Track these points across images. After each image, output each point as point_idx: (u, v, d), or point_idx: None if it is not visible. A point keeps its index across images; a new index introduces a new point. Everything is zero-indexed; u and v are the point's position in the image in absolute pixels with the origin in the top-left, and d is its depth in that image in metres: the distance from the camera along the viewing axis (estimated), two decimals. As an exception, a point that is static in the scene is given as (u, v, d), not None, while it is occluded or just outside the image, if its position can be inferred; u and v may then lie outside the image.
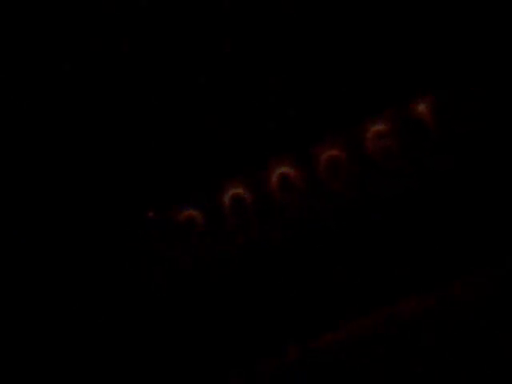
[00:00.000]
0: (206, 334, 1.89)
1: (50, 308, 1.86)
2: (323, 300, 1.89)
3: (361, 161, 1.89)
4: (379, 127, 1.90)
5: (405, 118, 1.90)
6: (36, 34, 1.88)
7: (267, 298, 1.89)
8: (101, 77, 1.90)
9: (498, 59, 1.91)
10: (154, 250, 1.88)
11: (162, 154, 1.90)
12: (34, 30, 1.88)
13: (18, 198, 1.88)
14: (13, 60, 1.89)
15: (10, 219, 1.87)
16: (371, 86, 1.91)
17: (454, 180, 1.91)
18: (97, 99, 1.90)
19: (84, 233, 1.87)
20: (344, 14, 1.91)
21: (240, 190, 1.89)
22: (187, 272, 1.89)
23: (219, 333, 1.89)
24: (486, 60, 1.91)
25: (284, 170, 1.89)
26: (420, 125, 1.90)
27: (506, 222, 1.91)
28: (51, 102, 1.89)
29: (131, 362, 1.87)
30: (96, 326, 1.87)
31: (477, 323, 1.86)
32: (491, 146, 1.91)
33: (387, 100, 1.91)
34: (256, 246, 1.89)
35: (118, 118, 1.90)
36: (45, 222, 1.88)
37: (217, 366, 1.88)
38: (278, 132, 1.91)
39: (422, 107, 1.91)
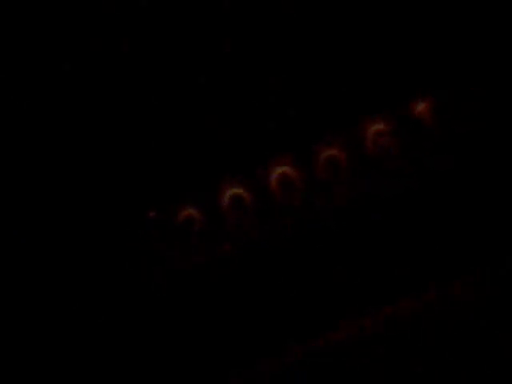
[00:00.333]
0: (205, 334, 1.89)
1: (49, 308, 1.86)
2: (323, 300, 1.89)
3: (361, 160, 1.89)
4: (379, 127, 1.90)
5: (404, 117, 1.90)
6: (36, 34, 1.88)
7: (267, 298, 1.89)
8: (101, 77, 1.89)
9: (498, 59, 1.91)
10: (153, 250, 1.88)
11: (162, 153, 1.90)
12: (34, 30, 1.88)
13: (18, 199, 1.88)
14: (12, 59, 1.89)
15: (10, 219, 1.87)
16: (371, 86, 1.91)
17: (453, 180, 1.91)
18: (97, 99, 1.89)
19: (84, 233, 1.87)
20: (344, 14, 1.91)
21: (240, 190, 1.89)
22: (187, 272, 1.89)
23: (219, 333, 1.89)
24: (486, 60, 1.91)
25: (284, 169, 1.89)
26: (420, 125, 1.90)
27: (505, 221, 1.91)
28: (51, 102, 1.89)
29: (131, 362, 1.87)
30: (96, 326, 1.87)
31: (477, 323, 1.86)
32: (491, 146, 1.91)
33: (387, 100, 1.91)
34: (256, 245, 1.89)
35: (118, 118, 1.89)
36: (45, 222, 1.87)
37: (217, 365, 1.88)
38: (278, 132, 1.91)
39: (421, 107, 1.91)
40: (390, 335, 1.87)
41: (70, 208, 1.88)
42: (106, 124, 1.89)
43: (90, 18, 1.89)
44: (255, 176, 1.89)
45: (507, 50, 1.91)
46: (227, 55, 1.90)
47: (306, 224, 1.90)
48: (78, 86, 1.90)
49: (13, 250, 1.86)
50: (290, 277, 1.90)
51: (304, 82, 1.91)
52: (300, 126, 1.91)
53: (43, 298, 1.86)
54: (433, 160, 1.91)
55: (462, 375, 1.84)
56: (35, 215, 1.87)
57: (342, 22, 1.92)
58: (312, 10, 1.91)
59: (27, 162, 1.89)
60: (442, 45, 1.91)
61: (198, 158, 1.90)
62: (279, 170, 1.89)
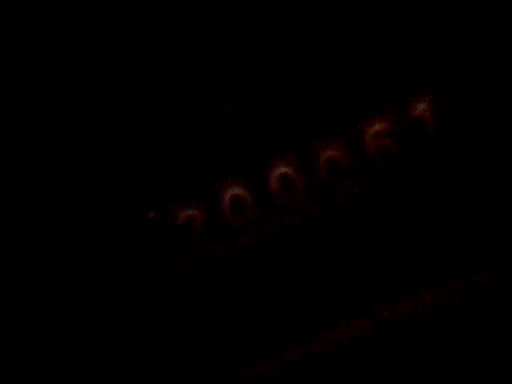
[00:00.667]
0: (205, 334, 1.89)
1: (49, 308, 1.86)
2: (323, 300, 1.89)
3: (361, 161, 1.89)
4: (379, 127, 1.90)
5: (404, 118, 1.90)
6: (35, 34, 1.88)
7: (267, 298, 1.89)
8: (100, 76, 1.89)
9: (498, 59, 1.91)
10: (153, 250, 1.88)
11: (163, 154, 1.90)
12: (34, 30, 1.88)
13: (17, 199, 1.88)
14: (11, 59, 1.89)
15: (10, 219, 1.86)
16: (371, 86, 1.91)
17: (453, 180, 1.91)
18: (97, 100, 1.89)
19: (84, 233, 1.87)
20: (344, 14, 1.91)
21: (240, 190, 1.89)
22: (187, 272, 1.89)
23: (219, 332, 1.89)
24: (486, 60, 1.91)
25: (284, 169, 1.89)
26: (420, 125, 1.90)
27: (506, 221, 1.91)
28: (51, 102, 1.89)
29: (131, 362, 1.87)
30: (95, 326, 1.87)
31: (477, 323, 1.86)
32: (491, 147, 1.91)
33: (387, 100, 1.91)
34: (256, 245, 1.89)
35: (119, 119, 1.89)
36: (44, 223, 1.87)
37: (217, 365, 1.88)
38: (279, 132, 1.90)
39: (421, 107, 1.90)
40: (389, 335, 1.87)
41: (70, 208, 1.88)
42: (106, 124, 1.89)
43: (89, 17, 1.89)
44: (255, 176, 1.89)
45: (507, 49, 1.91)
46: (227, 55, 1.90)
47: (307, 224, 1.90)
48: (77, 86, 1.89)
49: (13, 250, 1.86)
50: (291, 276, 1.90)
51: (304, 82, 1.91)
52: (300, 126, 1.91)
53: (43, 297, 1.86)
54: (433, 160, 1.91)
55: (461, 375, 1.84)
56: (35, 216, 1.87)
57: (343, 21, 1.91)
58: (313, 10, 1.91)
59: (27, 162, 1.88)
60: (442, 45, 1.91)
61: (199, 158, 1.90)
62: (279, 170, 1.89)
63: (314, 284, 1.90)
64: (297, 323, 1.88)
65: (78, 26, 1.88)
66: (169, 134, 1.90)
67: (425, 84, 1.91)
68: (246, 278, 1.90)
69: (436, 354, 1.85)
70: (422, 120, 1.90)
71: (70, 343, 1.86)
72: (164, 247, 1.88)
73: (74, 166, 1.89)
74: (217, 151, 1.90)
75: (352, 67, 1.91)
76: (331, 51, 1.91)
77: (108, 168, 1.89)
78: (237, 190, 1.88)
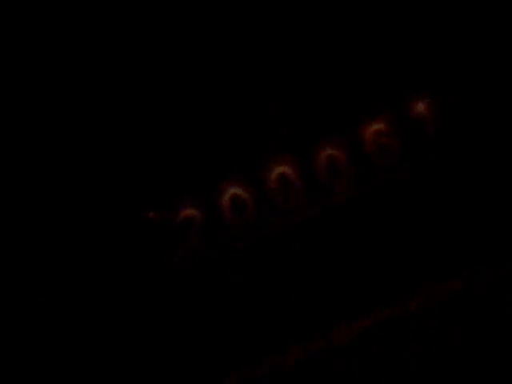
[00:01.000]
0: (205, 334, 1.89)
1: (49, 308, 1.86)
2: (323, 300, 1.89)
3: (360, 160, 1.89)
4: (379, 127, 1.89)
5: (405, 117, 1.90)
6: (35, 34, 1.88)
7: (267, 298, 1.89)
8: (100, 76, 1.89)
9: (498, 59, 1.91)
10: (153, 250, 1.88)
11: (162, 153, 1.90)
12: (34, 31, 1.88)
13: (17, 198, 1.88)
14: (11, 57, 1.89)
15: (10, 218, 1.86)
16: (371, 86, 1.91)
17: (454, 180, 1.91)
18: (97, 100, 1.89)
19: (83, 233, 1.87)
20: (344, 14, 1.91)
21: (239, 190, 1.89)
22: (187, 272, 1.89)
23: (219, 332, 1.89)
24: (487, 59, 1.91)
25: (283, 169, 1.89)
26: (420, 124, 1.90)
27: (506, 221, 1.90)
28: (50, 102, 1.89)
29: (131, 362, 1.87)
30: (95, 326, 1.87)
31: (477, 323, 1.86)
32: (491, 146, 1.91)
33: (387, 100, 1.90)
34: (255, 245, 1.89)
35: (119, 118, 1.89)
36: (44, 222, 1.87)
37: (217, 365, 1.88)
38: (278, 131, 1.90)
39: (421, 107, 1.90)
40: (389, 336, 1.87)
41: (69, 208, 1.88)
42: (106, 124, 1.89)
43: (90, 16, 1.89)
44: (255, 176, 1.89)
45: (507, 49, 1.91)
46: (228, 55, 1.90)
47: (306, 224, 1.90)
48: (77, 85, 1.89)
49: (12, 249, 1.86)
50: (290, 277, 1.90)
51: (304, 82, 1.91)
52: (300, 126, 1.90)
53: (43, 297, 1.86)
54: (433, 160, 1.90)
55: (462, 376, 1.84)
56: (34, 215, 1.87)
57: (342, 21, 1.91)
58: (313, 9, 1.91)
59: (26, 161, 1.88)
60: (442, 45, 1.91)
61: (198, 157, 1.90)
62: (279, 169, 1.89)
63: (313, 284, 1.89)
64: (297, 323, 1.88)
65: (78, 26, 1.88)
66: (169, 134, 1.90)
67: (425, 83, 1.91)
68: (245, 278, 1.90)
69: (436, 354, 1.85)
70: (421, 120, 1.90)
71: (69, 343, 1.86)
72: (163, 247, 1.88)
73: (73, 166, 1.89)
74: (216, 151, 1.90)
75: (352, 67, 1.90)
76: (331, 51, 1.91)
77: (108, 168, 1.89)
78: (236, 190, 1.88)
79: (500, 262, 1.89)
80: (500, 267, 1.89)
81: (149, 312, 1.88)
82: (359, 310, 1.88)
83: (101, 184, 1.89)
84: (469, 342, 1.86)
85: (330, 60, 1.91)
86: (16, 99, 1.88)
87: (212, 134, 1.90)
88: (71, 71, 1.89)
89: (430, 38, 1.91)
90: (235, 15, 1.90)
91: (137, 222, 1.87)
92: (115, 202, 1.88)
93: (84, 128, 1.89)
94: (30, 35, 1.88)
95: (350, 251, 1.90)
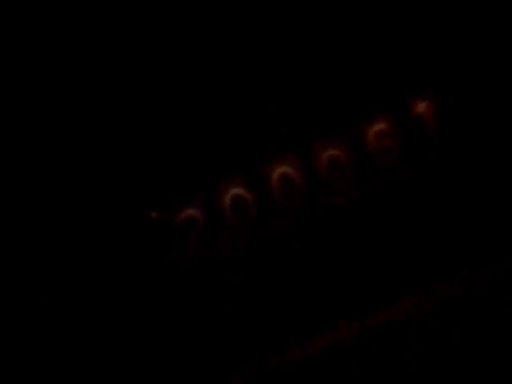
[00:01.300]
0: (206, 334, 1.89)
1: (49, 308, 1.86)
2: (324, 300, 1.89)
3: (362, 160, 1.89)
4: (380, 127, 1.89)
5: (406, 117, 1.90)
6: (35, 34, 1.88)
7: (268, 298, 1.89)
8: (100, 75, 1.89)
9: (500, 58, 1.91)
10: (154, 250, 1.87)
11: (164, 153, 1.90)
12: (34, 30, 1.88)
13: (17, 198, 1.87)
14: (11, 57, 1.88)
15: (12, 217, 1.86)
16: (372, 86, 1.91)
17: (455, 180, 1.91)
18: (97, 100, 1.89)
19: (85, 232, 1.87)
20: (345, 12, 1.91)
21: (240, 190, 1.88)
22: (187, 272, 1.89)
23: (220, 332, 1.89)
24: (488, 59, 1.91)
25: (285, 169, 1.88)
26: (421, 125, 1.90)
27: (506, 221, 1.90)
28: (50, 101, 1.89)
29: (131, 362, 1.87)
30: (95, 326, 1.87)
31: (477, 323, 1.86)
32: (493, 146, 1.91)
33: (388, 100, 1.90)
34: (256, 245, 1.89)
35: (120, 118, 1.89)
36: (45, 222, 1.87)
37: (217, 365, 1.88)
38: (279, 131, 1.90)
39: (423, 107, 1.90)
40: (389, 336, 1.87)
41: (71, 208, 1.88)
42: (107, 124, 1.89)
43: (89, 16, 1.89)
44: (256, 176, 1.89)
45: (508, 49, 1.91)
46: (227, 55, 1.90)
47: (307, 224, 1.90)
48: (77, 85, 1.89)
49: (13, 249, 1.86)
50: (291, 276, 1.90)
51: (305, 82, 1.91)
52: (301, 125, 1.90)
53: (43, 297, 1.86)
54: (434, 160, 1.90)
55: (461, 376, 1.84)
56: (35, 215, 1.87)
57: (344, 20, 1.91)
58: (314, 9, 1.90)
59: (27, 161, 1.88)
60: (444, 44, 1.91)
61: (199, 157, 1.90)
62: (280, 169, 1.89)
63: (313, 284, 1.89)
64: (297, 323, 1.88)
65: (77, 26, 1.88)
66: (170, 134, 1.89)
67: (427, 83, 1.91)
68: (246, 278, 1.89)
69: (436, 354, 1.85)
70: (424, 120, 1.90)
71: (69, 343, 1.86)
72: (164, 247, 1.87)
73: (75, 166, 1.88)
74: (217, 151, 1.90)
75: (354, 66, 1.90)
76: (332, 50, 1.91)
77: (109, 167, 1.89)
78: (237, 190, 1.88)
79: (500, 261, 1.89)
80: (500, 267, 1.88)
81: (149, 312, 1.88)
82: (359, 310, 1.88)
83: (103, 184, 1.88)
84: (469, 342, 1.86)
85: (331, 59, 1.91)
86: (16, 99, 1.88)
87: (213, 134, 1.90)
88: (71, 71, 1.89)
89: (433, 37, 1.90)
90: (235, 15, 1.89)
91: (138, 222, 1.87)
92: (116, 203, 1.88)
93: (86, 129, 1.89)
94: (30, 35, 1.88)
95: (350, 251, 1.90)
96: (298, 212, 1.89)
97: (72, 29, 1.88)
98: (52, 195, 1.88)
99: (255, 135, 1.90)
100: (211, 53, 1.90)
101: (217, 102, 1.90)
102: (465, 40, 1.91)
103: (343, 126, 1.89)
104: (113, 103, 1.89)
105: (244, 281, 1.90)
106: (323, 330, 1.88)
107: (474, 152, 1.91)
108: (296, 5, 1.90)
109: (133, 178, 1.89)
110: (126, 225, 1.87)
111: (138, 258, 1.87)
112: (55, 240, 1.87)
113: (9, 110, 1.88)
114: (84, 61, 1.89)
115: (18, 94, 1.88)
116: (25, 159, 1.88)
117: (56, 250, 1.87)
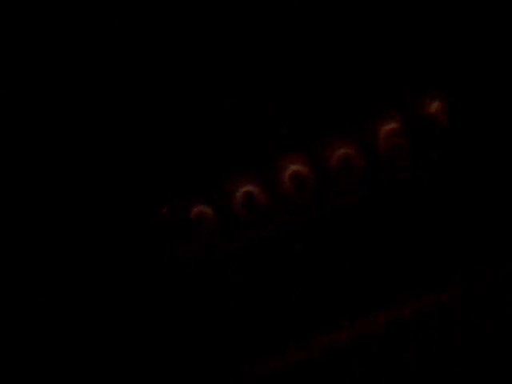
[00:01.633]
0: (213, 331, 1.88)
1: (50, 308, 1.84)
2: (323, 300, 1.89)
3: (373, 159, 1.89)
4: (391, 126, 1.89)
5: (417, 116, 1.90)
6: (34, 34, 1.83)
7: (277, 296, 1.88)
8: (101, 75, 1.86)
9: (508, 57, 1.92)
10: (165, 246, 1.85)
11: (175, 150, 1.88)
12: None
13: (21, 196, 1.85)
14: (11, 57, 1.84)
15: (13, 214, 1.84)
16: (383, 84, 1.90)
17: (466, 180, 1.92)
18: (102, 98, 1.87)
19: (95, 228, 1.86)
20: (354, 11, 1.90)
21: (252, 188, 1.87)
22: (198, 268, 1.87)
23: (227, 330, 1.88)
24: (500, 58, 1.92)
25: (296, 167, 1.87)
26: (432, 124, 1.90)
27: (506, 221, 1.92)
28: (50, 101, 1.86)
29: (132, 362, 1.85)
30: (99, 322, 1.86)
31: (477, 323, 1.88)
32: (505, 146, 1.92)
33: (399, 98, 1.90)
34: (267, 243, 1.88)
35: (130, 116, 1.87)
36: (47, 221, 1.85)
37: (217, 365, 1.87)
38: (291, 129, 1.89)
39: (434, 106, 1.90)
40: (389, 336, 1.87)
41: (81, 204, 1.86)
42: (116, 121, 1.87)
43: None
44: (267, 174, 1.87)
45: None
46: (232, 53, 1.87)
47: (318, 222, 1.89)
48: (77, 84, 1.86)
49: (14, 247, 1.83)
50: (301, 275, 1.89)
51: (317, 80, 1.90)
52: (313, 124, 1.89)
53: (44, 297, 1.85)
54: (445, 160, 1.91)
55: (461, 376, 1.85)
56: (37, 215, 1.85)
57: (351, 19, 1.90)
58: (319, 7, 1.89)
59: (28, 160, 1.85)
60: (456, 42, 1.91)
61: (211, 154, 1.88)
62: (291, 167, 1.87)
63: (313, 284, 1.90)
64: (300, 323, 1.89)
65: (78, 26, 1.85)
66: (182, 130, 1.88)
67: (439, 82, 1.91)
68: (256, 276, 1.88)
69: (436, 354, 1.87)
70: (435, 119, 1.90)
71: (71, 339, 1.84)
72: (174, 242, 1.86)
73: (84, 163, 1.86)
74: (229, 148, 1.88)
75: (365, 65, 1.90)
76: (343, 48, 1.90)
77: (120, 164, 1.87)
78: (249, 188, 1.86)
79: (500, 262, 1.90)
80: (500, 267, 1.90)
81: (158, 308, 1.87)
82: (359, 310, 1.88)
83: (113, 181, 1.86)
84: (469, 343, 1.87)
85: (344, 58, 1.90)
86: (16, 99, 1.85)
87: (226, 130, 1.89)
88: (72, 71, 1.86)
89: (446, 35, 1.91)
90: (235, 15, 1.87)
91: (149, 218, 1.84)
92: (127, 199, 1.87)
93: (93, 126, 1.86)
94: (30, 35, 1.84)
95: (351, 251, 1.90)
96: (309, 210, 1.88)
97: (72, 29, 1.85)
98: (63, 192, 1.85)
99: (267, 133, 1.89)
100: (215, 52, 1.87)
101: (230, 98, 1.88)
102: (480, 38, 1.91)
103: (354, 124, 1.89)
104: (121, 100, 1.87)
105: (254, 278, 1.89)
106: (323, 330, 1.87)
107: (473, 152, 1.92)
108: (300, 3, 1.88)
109: (145, 174, 1.87)
110: (137, 221, 1.85)
111: (149, 254, 1.85)
112: (59, 236, 1.85)
113: (9, 111, 1.85)
114: (84, 61, 1.86)
115: (18, 94, 1.85)
116: (25, 158, 1.85)
117: (65, 246, 1.85)
